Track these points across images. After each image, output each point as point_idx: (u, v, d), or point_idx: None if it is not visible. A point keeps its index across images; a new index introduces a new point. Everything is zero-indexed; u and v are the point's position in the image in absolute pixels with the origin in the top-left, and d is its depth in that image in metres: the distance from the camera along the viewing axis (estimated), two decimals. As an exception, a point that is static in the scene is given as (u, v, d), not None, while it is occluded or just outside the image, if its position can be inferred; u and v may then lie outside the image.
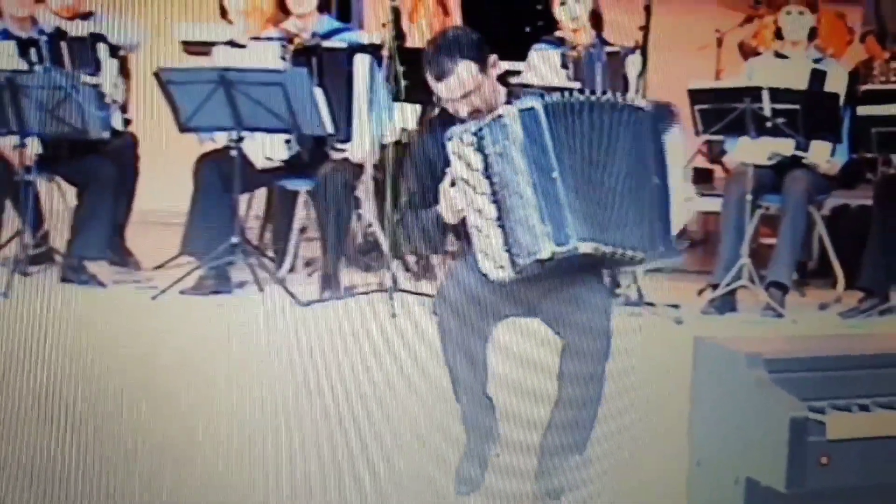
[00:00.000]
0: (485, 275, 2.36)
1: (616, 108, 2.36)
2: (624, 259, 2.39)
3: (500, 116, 2.34)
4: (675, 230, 2.38)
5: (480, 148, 2.33)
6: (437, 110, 2.54)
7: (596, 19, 4.14)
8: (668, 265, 2.48)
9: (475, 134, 2.34)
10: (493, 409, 2.52)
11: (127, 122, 4.27)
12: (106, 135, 3.99)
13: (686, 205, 2.39)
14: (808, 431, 1.96)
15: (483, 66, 2.40)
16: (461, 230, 2.46)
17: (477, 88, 2.39)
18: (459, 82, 2.38)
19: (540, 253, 2.31)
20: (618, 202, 2.34)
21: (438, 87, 2.41)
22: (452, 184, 2.38)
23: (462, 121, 2.41)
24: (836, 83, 4.00)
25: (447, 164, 2.38)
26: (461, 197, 2.36)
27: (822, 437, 1.96)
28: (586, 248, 2.32)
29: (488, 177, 2.34)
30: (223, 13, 4.28)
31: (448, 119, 2.44)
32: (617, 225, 2.33)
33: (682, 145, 2.41)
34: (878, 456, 2.01)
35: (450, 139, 2.36)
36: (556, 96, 2.36)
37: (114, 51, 4.18)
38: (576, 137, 2.33)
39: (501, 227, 2.33)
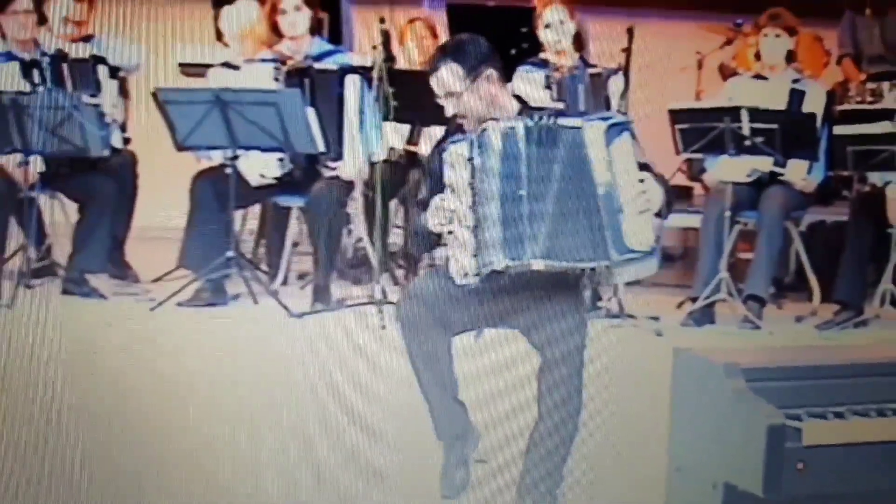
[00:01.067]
0: (451, 279, 2.39)
1: (579, 132, 2.36)
2: (582, 272, 2.38)
3: (485, 130, 2.38)
4: (637, 234, 2.34)
5: (470, 159, 2.36)
6: (445, 130, 2.58)
7: (579, 42, 4.16)
8: (643, 272, 2.43)
9: (469, 145, 2.38)
10: (465, 413, 2.51)
11: (126, 140, 4.29)
12: (106, 153, 4.00)
13: (640, 202, 2.34)
14: (785, 438, 1.95)
15: (472, 74, 2.43)
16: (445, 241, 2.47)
17: (459, 93, 2.43)
18: (440, 80, 2.45)
19: (495, 264, 2.33)
20: (576, 219, 2.34)
21: (431, 81, 2.48)
22: (442, 200, 2.41)
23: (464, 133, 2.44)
24: (815, 103, 4.03)
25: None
26: (448, 204, 2.39)
27: (799, 443, 1.96)
28: (538, 264, 2.34)
29: (471, 186, 2.37)
30: (219, 36, 4.29)
31: (452, 132, 2.48)
32: (573, 241, 2.33)
33: (630, 151, 2.37)
34: (853, 462, 2.01)
35: (446, 150, 2.41)
36: (540, 120, 2.37)
37: (114, 72, 4.21)
38: (547, 160, 2.35)
39: (475, 236, 2.36)
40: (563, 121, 2.37)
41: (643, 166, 2.38)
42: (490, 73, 2.45)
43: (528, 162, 2.34)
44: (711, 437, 2.08)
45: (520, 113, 2.48)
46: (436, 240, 2.50)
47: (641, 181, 2.36)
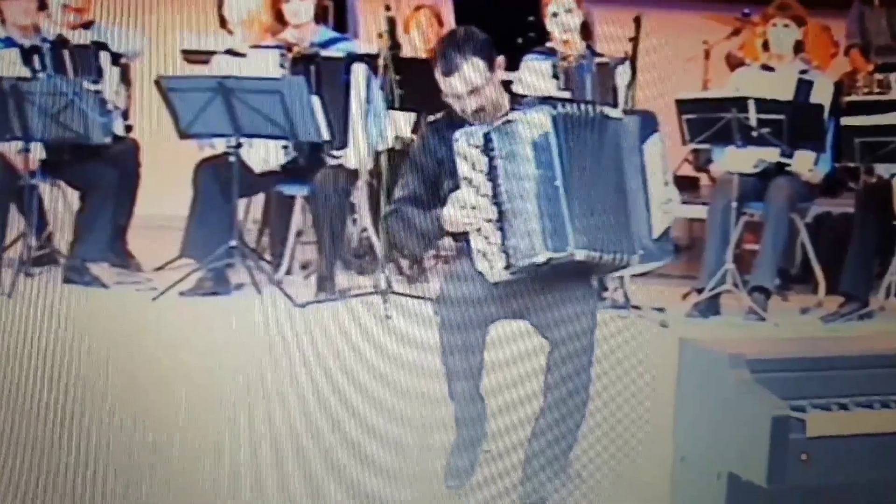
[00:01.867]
0: (481, 273, 2.39)
1: (611, 120, 2.40)
2: (613, 264, 2.41)
3: (510, 122, 2.38)
4: (655, 233, 2.41)
5: (487, 151, 2.36)
6: (442, 113, 2.55)
7: (586, 31, 4.17)
8: (656, 266, 2.49)
9: (484, 136, 2.37)
10: (484, 408, 2.54)
11: (128, 128, 4.29)
12: (108, 140, 4.02)
13: (665, 207, 2.42)
14: (789, 429, 1.98)
15: (491, 64, 2.43)
16: (459, 234, 2.48)
17: (483, 86, 2.42)
18: (467, 78, 2.41)
19: (537, 257, 2.34)
20: (608, 210, 2.37)
21: (446, 83, 2.44)
22: (462, 206, 2.40)
23: (467, 123, 2.44)
24: (822, 94, 4.04)
25: (449, 166, 2.42)
26: (469, 201, 2.38)
27: (803, 434, 1.98)
28: (581, 255, 2.36)
29: (492, 179, 2.37)
30: (223, 23, 4.30)
31: (452, 122, 2.47)
32: (608, 232, 2.36)
33: (660, 152, 2.44)
34: (857, 453, 2.03)
35: (457, 140, 2.40)
36: (565, 108, 2.40)
37: (116, 59, 4.22)
38: (578, 149, 2.37)
39: (500, 229, 2.37)
40: (585, 108, 2.39)
41: (666, 170, 2.43)
42: (500, 59, 2.46)
43: (560, 151, 2.36)
44: (716, 427, 2.10)
45: (512, 100, 2.48)
46: (438, 236, 2.50)
47: (667, 184, 2.41)
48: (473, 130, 2.40)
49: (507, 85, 2.56)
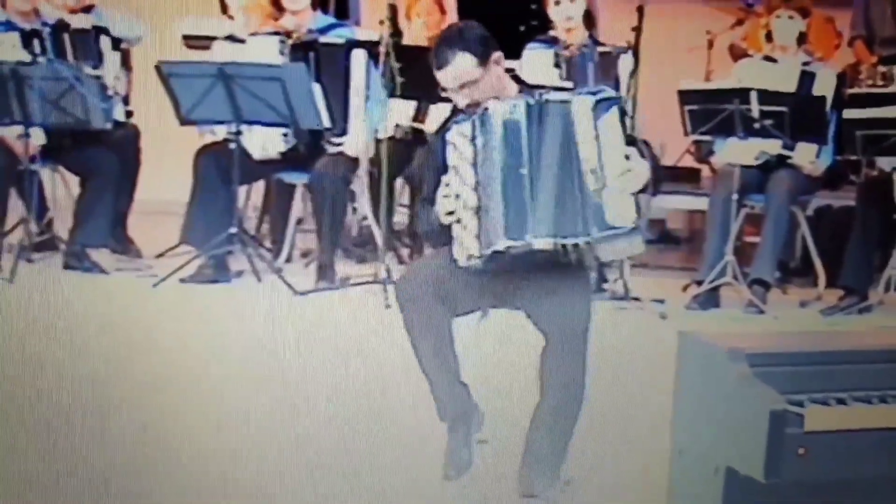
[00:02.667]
0: (455, 260, 2.42)
1: (569, 105, 2.39)
2: (577, 249, 2.40)
3: (486, 109, 2.40)
4: (610, 211, 2.37)
5: (472, 138, 2.39)
6: (452, 108, 2.60)
7: (589, 19, 4.15)
8: (626, 248, 2.44)
9: (470, 124, 2.40)
10: (468, 394, 2.55)
11: (129, 113, 4.29)
12: (108, 126, 4.02)
13: (624, 178, 2.37)
14: (787, 423, 1.99)
15: (483, 60, 2.45)
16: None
17: (475, 81, 2.44)
18: (455, 73, 2.44)
19: (497, 244, 2.36)
20: (568, 195, 2.37)
21: (438, 76, 2.48)
22: (447, 186, 2.43)
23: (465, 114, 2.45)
24: (825, 86, 4.04)
25: None
26: (452, 189, 2.41)
27: (800, 429, 1.99)
28: (540, 243, 2.37)
29: (474, 166, 2.39)
30: (224, 8, 4.30)
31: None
32: (567, 218, 2.36)
33: (618, 127, 2.40)
34: (854, 448, 2.04)
35: (449, 129, 2.43)
36: (543, 96, 2.40)
37: (116, 44, 4.21)
38: (548, 136, 2.38)
39: (478, 216, 2.39)
40: (555, 95, 2.40)
41: (631, 141, 2.42)
42: (498, 55, 2.48)
43: (529, 139, 2.37)
44: (714, 421, 2.12)
45: (520, 92, 2.49)
46: (441, 228, 2.50)
47: (627, 157, 2.38)
48: (465, 119, 2.43)
49: (517, 77, 2.57)
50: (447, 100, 3.75)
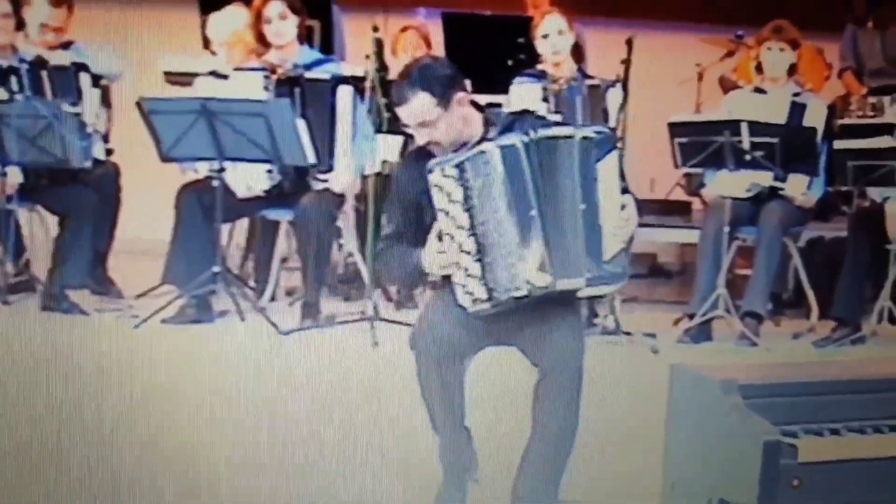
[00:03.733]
0: (462, 307, 2.43)
1: (573, 140, 2.44)
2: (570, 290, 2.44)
3: (483, 153, 2.40)
4: (607, 254, 2.43)
5: (461, 181, 2.39)
6: (416, 144, 2.59)
7: (578, 53, 4.25)
8: (609, 290, 2.53)
9: (456, 166, 2.40)
10: (470, 440, 2.57)
11: (109, 151, 4.31)
12: (88, 164, 4.05)
13: (616, 229, 2.43)
14: (781, 454, 2.05)
15: (444, 101, 2.45)
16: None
17: (433, 122, 2.45)
18: (413, 112, 2.46)
19: (517, 291, 2.39)
20: (570, 234, 2.42)
21: (398, 112, 2.51)
22: (440, 238, 2.44)
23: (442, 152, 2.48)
24: (815, 117, 4.14)
25: (427, 196, 2.45)
26: (445, 245, 2.42)
27: (794, 460, 2.06)
28: (564, 284, 2.41)
29: (468, 209, 2.40)
30: (206, 44, 4.36)
31: (428, 152, 2.50)
32: (570, 257, 2.40)
33: (616, 171, 2.46)
34: (849, 479, 2.10)
35: (430, 171, 2.42)
36: (534, 133, 2.43)
37: (96, 80, 4.24)
38: (551, 175, 2.41)
39: (479, 261, 2.40)
40: (555, 130, 2.44)
41: (624, 189, 2.47)
42: (461, 96, 2.48)
43: (534, 179, 2.39)
44: (707, 453, 2.17)
45: (486, 121, 2.51)
46: (422, 277, 2.51)
47: (623, 207, 2.45)
48: (447, 160, 2.42)
49: (479, 105, 2.58)
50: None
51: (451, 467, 2.56)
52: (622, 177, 2.47)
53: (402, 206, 2.55)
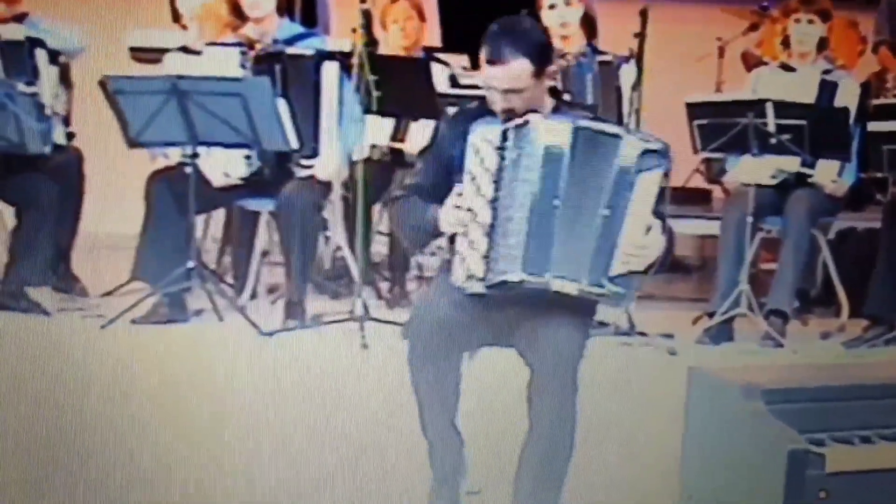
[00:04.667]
0: (459, 289, 2.50)
1: (619, 139, 2.50)
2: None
3: (527, 123, 2.49)
4: (613, 271, 2.50)
5: (500, 149, 2.48)
6: (476, 103, 2.66)
7: (588, 25, 4.26)
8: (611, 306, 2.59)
9: (502, 133, 2.49)
10: (461, 444, 2.63)
11: (70, 135, 4.33)
12: (47, 150, 4.08)
13: (635, 251, 2.49)
14: (807, 465, 2.11)
15: (539, 71, 2.54)
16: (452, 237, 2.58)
17: (523, 90, 2.53)
18: (507, 75, 2.52)
19: (511, 274, 2.46)
20: (587, 237, 2.48)
21: (487, 70, 2.55)
22: (460, 194, 2.51)
23: (493, 114, 2.55)
24: (848, 96, 4.17)
25: (463, 159, 2.51)
26: (466, 201, 2.48)
27: (822, 470, 2.12)
28: (558, 285, 2.47)
29: (496, 181, 2.48)
30: (176, 17, 4.35)
31: (482, 114, 2.57)
32: (576, 259, 2.47)
33: (656, 190, 2.52)
34: (880, 490, 2.17)
35: (474, 131, 2.51)
36: (591, 123, 2.52)
37: (54, 57, 4.24)
38: (587, 168, 2.49)
39: (489, 236, 2.48)
40: (608, 127, 2.51)
41: (660, 214, 2.53)
42: (552, 69, 2.60)
43: (570, 168, 2.46)
44: (727, 463, 2.24)
45: (555, 108, 2.60)
46: (433, 234, 2.59)
47: (648, 228, 2.50)
48: (493, 124, 2.51)
49: (555, 91, 2.67)
50: (432, 116, 3.91)
51: (441, 474, 2.62)
52: (661, 198, 2.52)
53: (437, 162, 2.62)
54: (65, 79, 4.33)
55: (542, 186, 2.48)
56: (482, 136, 2.51)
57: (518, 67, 2.52)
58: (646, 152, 2.50)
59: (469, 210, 2.50)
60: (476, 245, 2.49)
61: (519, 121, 2.51)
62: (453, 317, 2.53)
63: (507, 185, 2.48)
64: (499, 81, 2.54)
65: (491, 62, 2.54)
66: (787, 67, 4.30)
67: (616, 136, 2.51)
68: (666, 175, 2.53)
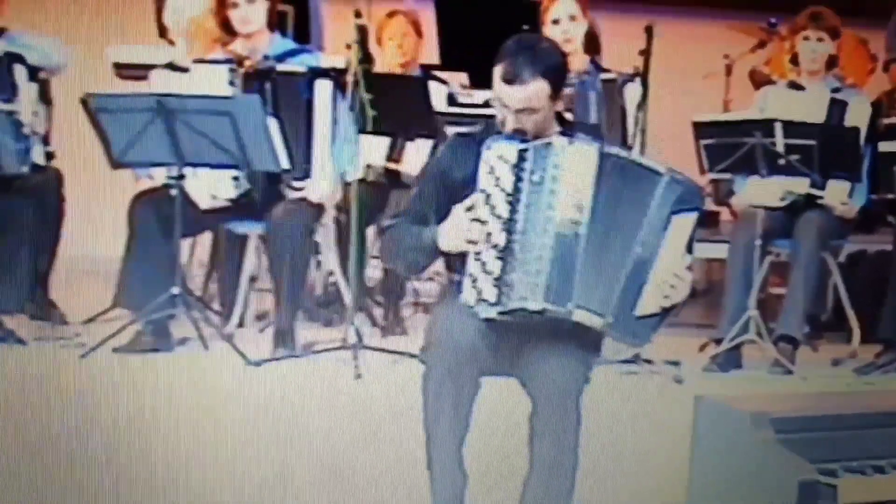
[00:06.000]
0: (470, 308, 2.53)
1: (653, 175, 2.56)
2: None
3: (551, 144, 2.53)
4: (640, 310, 2.55)
5: (517, 168, 2.52)
6: (480, 126, 2.69)
7: (591, 42, 4.31)
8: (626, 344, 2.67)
9: (519, 151, 2.53)
10: (465, 482, 2.65)
11: (49, 155, 4.32)
12: (25, 170, 4.09)
13: (664, 291, 2.54)
14: (819, 496, 2.17)
15: (556, 95, 2.60)
16: (453, 261, 2.62)
17: (536, 111, 2.58)
18: (526, 96, 2.57)
19: (531, 302, 2.49)
20: (612, 270, 2.52)
21: (502, 89, 2.58)
22: (470, 209, 2.54)
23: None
24: (858, 115, 4.23)
25: (472, 187, 2.55)
26: (476, 214, 2.51)
27: (834, 502, 2.17)
28: (581, 316, 2.51)
29: (512, 202, 2.52)
30: (162, 32, 4.38)
31: (489, 136, 2.61)
32: (601, 292, 2.51)
33: (689, 233, 2.57)
34: (895, 522, 2.23)
35: (489, 148, 2.54)
36: (613, 149, 2.57)
37: (33, 73, 4.25)
38: (613, 197, 2.53)
39: (502, 259, 2.51)
40: (643, 160, 2.56)
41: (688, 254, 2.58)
42: (568, 92, 2.69)
43: (595, 195, 2.50)
44: (736, 494, 2.27)
45: (562, 130, 2.64)
46: (431, 255, 2.61)
47: (678, 271, 2.55)
48: (510, 142, 2.54)
49: (560, 115, 2.71)
50: (429, 136, 3.95)
51: (441, 501, 2.63)
52: (691, 243, 2.57)
53: (437, 185, 2.65)
54: (44, 96, 4.34)
55: (565, 212, 2.50)
56: (497, 154, 2.54)
57: (536, 88, 2.56)
58: (683, 193, 2.55)
59: (482, 223, 2.51)
60: (488, 268, 2.51)
61: (541, 141, 2.54)
62: (478, 344, 2.54)
63: (526, 207, 2.50)
64: (515, 102, 2.57)
65: (508, 81, 2.57)
66: (796, 86, 4.36)
67: (654, 171, 2.55)
68: (700, 217, 2.59)
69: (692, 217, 2.57)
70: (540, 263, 2.50)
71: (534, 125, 2.59)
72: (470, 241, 2.55)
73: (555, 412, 2.51)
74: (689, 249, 2.58)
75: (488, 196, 2.53)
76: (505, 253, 2.51)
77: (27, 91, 4.22)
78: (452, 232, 2.57)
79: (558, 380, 2.51)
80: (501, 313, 2.53)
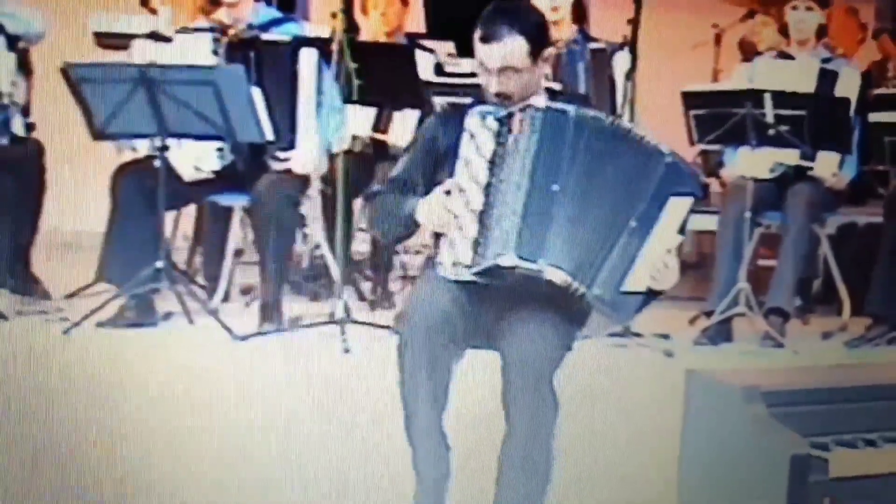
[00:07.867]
0: (440, 264, 2.55)
1: (641, 146, 2.56)
2: (579, 296, 2.55)
3: (529, 106, 2.54)
4: (627, 286, 2.55)
5: (498, 135, 2.53)
6: (471, 98, 2.69)
7: (579, 11, 4.31)
8: (607, 318, 2.65)
9: (498, 119, 2.54)
10: (448, 451, 2.65)
11: (29, 126, 4.32)
12: (4, 141, 4.10)
13: (652, 272, 2.55)
14: (810, 470, 2.15)
15: (535, 52, 2.59)
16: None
17: (519, 70, 2.58)
18: (503, 53, 2.57)
19: (503, 258, 2.50)
20: (595, 236, 2.53)
21: (481, 50, 2.59)
22: (448, 192, 2.56)
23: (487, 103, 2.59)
24: (848, 86, 4.24)
25: (454, 153, 2.57)
26: (453, 204, 2.53)
27: (825, 475, 2.16)
28: (551, 273, 2.51)
29: (491, 167, 2.53)
30: (144, 1, 4.42)
31: (476, 107, 2.60)
32: (583, 257, 2.51)
33: (684, 217, 2.58)
34: (887, 495, 2.21)
35: (471, 115, 2.56)
36: (592, 112, 2.57)
37: (12, 43, 4.24)
38: (591, 159, 2.53)
39: (480, 221, 2.52)
40: (628, 124, 2.58)
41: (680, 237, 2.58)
42: (550, 52, 2.64)
43: (573, 156, 2.52)
44: (727, 469, 2.27)
45: (550, 91, 2.65)
46: (408, 226, 2.63)
47: (669, 251, 2.55)
48: (493, 109, 2.56)
49: (549, 89, 2.71)
50: (416, 106, 3.92)
51: (426, 479, 2.64)
52: (684, 226, 2.58)
53: (424, 155, 2.66)
54: (24, 66, 4.32)
55: (540, 170, 2.52)
56: (480, 121, 2.56)
57: (513, 45, 2.56)
58: (683, 177, 2.56)
59: (462, 194, 2.53)
60: (466, 231, 2.53)
61: (518, 106, 2.56)
62: (451, 311, 2.56)
63: (506, 169, 2.52)
64: (493, 61, 2.58)
65: (485, 39, 2.58)
66: (785, 56, 4.36)
67: (627, 131, 2.56)
68: (696, 200, 2.59)
69: (688, 201, 2.58)
70: (514, 219, 2.51)
71: (518, 89, 2.60)
72: (444, 221, 2.57)
73: (528, 380, 2.51)
74: (682, 231, 2.60)
75: (468, 162, 2.56)
76: (482, 215, 2.53)
77: (5, 61, 4.21)
78: (427, 209, 2.60)
79: (534, 346, 2.52)
80: (476, 274, 2.54)
